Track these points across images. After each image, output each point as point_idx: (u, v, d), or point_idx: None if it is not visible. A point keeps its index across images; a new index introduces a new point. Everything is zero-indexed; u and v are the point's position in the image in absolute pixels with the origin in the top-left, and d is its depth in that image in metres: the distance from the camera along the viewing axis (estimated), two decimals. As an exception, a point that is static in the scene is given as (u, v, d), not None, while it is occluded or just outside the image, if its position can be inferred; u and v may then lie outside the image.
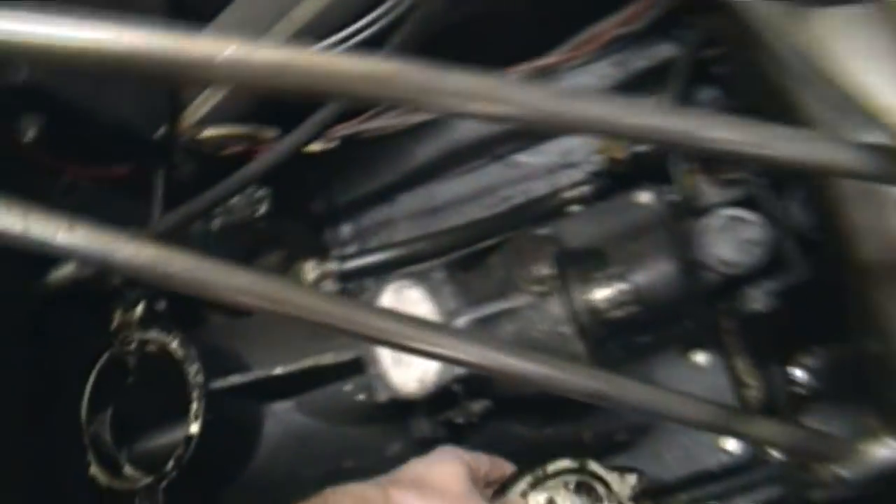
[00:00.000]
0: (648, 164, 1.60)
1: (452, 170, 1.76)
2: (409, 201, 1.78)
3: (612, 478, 1.36)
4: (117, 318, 1.49)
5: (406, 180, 1.77)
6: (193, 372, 1.40)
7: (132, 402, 1.53)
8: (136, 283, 1.49)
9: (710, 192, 1.41)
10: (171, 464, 1.38)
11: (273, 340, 1.51)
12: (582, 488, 1.35)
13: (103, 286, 1.53)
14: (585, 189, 1.64)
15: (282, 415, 1.48)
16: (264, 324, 1.56)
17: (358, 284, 1.55)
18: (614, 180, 1.63)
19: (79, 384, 1.48)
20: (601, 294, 1.34)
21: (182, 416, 1.43)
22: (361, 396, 1.43)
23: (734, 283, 1.36)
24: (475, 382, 1.34)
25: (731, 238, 1.32)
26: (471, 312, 1.33)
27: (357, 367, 1.39)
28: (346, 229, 1.82)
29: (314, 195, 1.83)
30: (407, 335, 0.86)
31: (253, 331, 1.55)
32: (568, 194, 1.64)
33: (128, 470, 1.48)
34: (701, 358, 1.51)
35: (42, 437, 1.48)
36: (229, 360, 1.47)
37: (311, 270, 1.57)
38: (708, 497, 1.47)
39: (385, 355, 1.34)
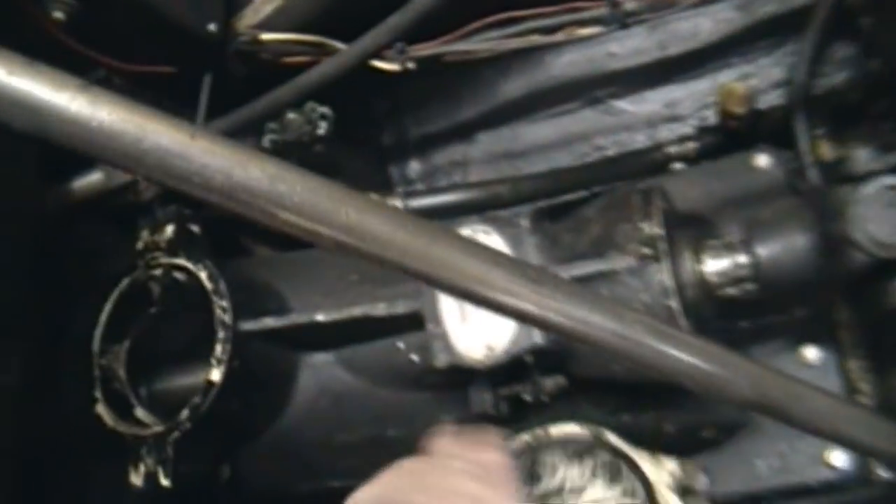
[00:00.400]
0: (768, 123, 1.36)
1: (542, 110, 1.54)
2: (488, 141, 1.57)
3: (640, 458, 1.14)
4: (144, 237, 1.28)
5: (488, 117, 1.55)
6: (222, 309, 1.19)
7: (153, 335, 1.33)
8: (170, 198, 1.29)
9: (865, 156, 1.15)
10: (185, 413, 1.18)
11: (319, 281, 1.30)
12: (583, 457, 1.14)
13: (133, 199, 1.33)
14: (692, 145, 1.40)
15: (319, 368, 1.27)
16: (311, 261, 1.34)
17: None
18: (726, 138, 1.39)
19: (94, 308, 1.29)
20: (715, 265, 1.10)
21: (205, 357, 1.24)
22: (415, 357, 1.21)
23: (883, 268, 1.11)
24: (554, 354, 1.11)
25: (892, 214, 1.06)
26: (559, 271, 1.09)
27: (414, 323, 1.17)
28: (414, 166, 1.61)
29: (382, 124, 1.61)
30: (495, 281, 0.63)
31: (297, 268, 1.34)
32: (672, 149, 1.41)
33: (139, 413, 1.28)
34: (812, 354, 1.26)
35: (47, 363, 1.29)
36: (266, 300, 1.26)
37: (375, 206, 1.35)
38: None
39: (450, 312, 1.12)
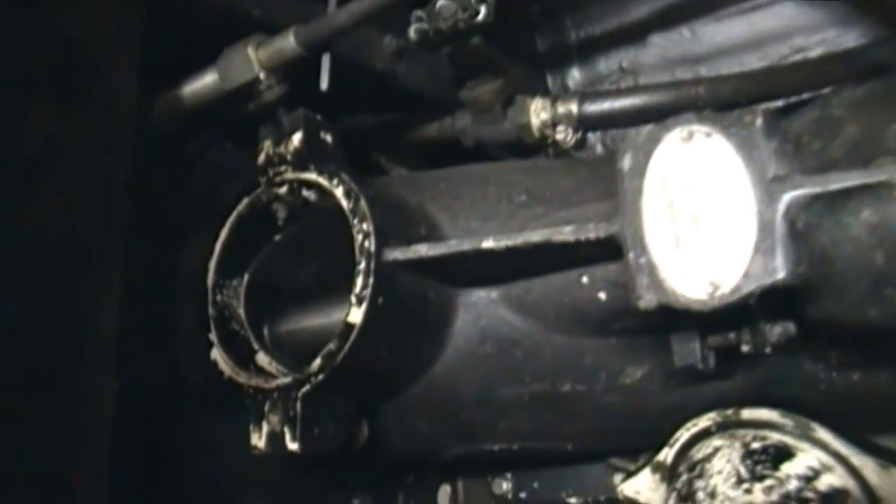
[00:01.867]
0: None
1: (727, 6, 1.26)
2: (663, 44, 1.33)
3: (864, 462, 0.88)
4: (266, 148, 1.06)
5: (663, 15, 1.32)
6: (363, 234, 0.96)
7: (277, 267, 1.12)
8: (296, 102, 1.06)
9: None
10: (318, 362, 0.96)
11: (479, 202, 1.06)
12: (767, 454, 0.89)
13: (253, 106, 1.11)
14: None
15: (480, 308, 1.03)
16: (466, 178, 1.10)
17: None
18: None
19: (209, 236, 1.08)
20: None
21: (342, 294, 1.02)
22: (602, 295, 0.96)
23: None
24: (795, 293, 0.85)
25: None
26: (808, 184, 0.82)
27: (606, 252, 0.91)
28: (574, 74, 1.36)
29: (538, 26, 1.36)
30: None
31: (449, 186, 1.09)
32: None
33: (262, 359, 1.08)
34: None
35: (155, 302, 1.09)
36: (415, 224, 1.02)
37: (540, 110, 1.10)
38: None
39: (660, 238, 0.86)
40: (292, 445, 0.95)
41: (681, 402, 1.01)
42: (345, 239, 0.99)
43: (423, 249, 0.96)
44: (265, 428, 0.98)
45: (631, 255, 0.87)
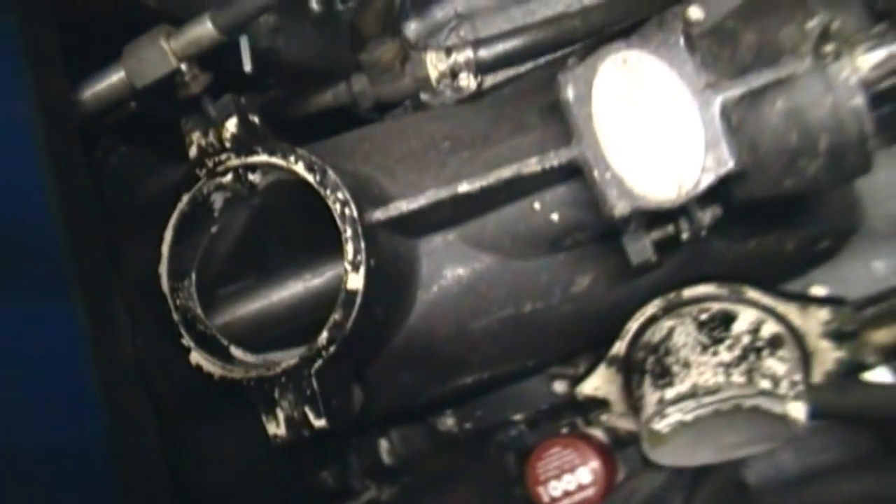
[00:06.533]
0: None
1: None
2: None
3: (788, 309, 1.10)
4: (196, 140, 1.03)
5: None
6: (340, 202, 0.98)
7: (217, 258, 1.10)
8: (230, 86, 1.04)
9: None
10: (325, 335, 0.97)
11: (411, 155, 1.11)
12: (716, 321, 1.08)
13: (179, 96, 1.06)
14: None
15: (443, 251, 1.09)
16: (390, 134, 1.14)
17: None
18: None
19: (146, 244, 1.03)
20: (872, 58, 1.03)
21: (285, 271, 1.04)
22: (555, 216, 1.07)
23: None
24: (727, 182, 1.01)
25: None
26: (734, 87, 0.97)
27: (565, 176, 1.02)
28: (412, 27, 1.40)
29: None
30: None
31: (377, 144, 1.13)
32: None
33: (235, 351, 1.06)
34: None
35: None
36: (366, 184, 1.05)
37: (437, 62, 1.16)
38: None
39: (620, 153, 0.98)
40: (318, 423, 0.97)
41: (624, 299, 1.14)
42: (307, 210, 1.01)
43: (402, 205, 1.00)
44: (280, 414, 0.98)
45: (595, 172, 0.99)
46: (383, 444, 1.33)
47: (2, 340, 0.74)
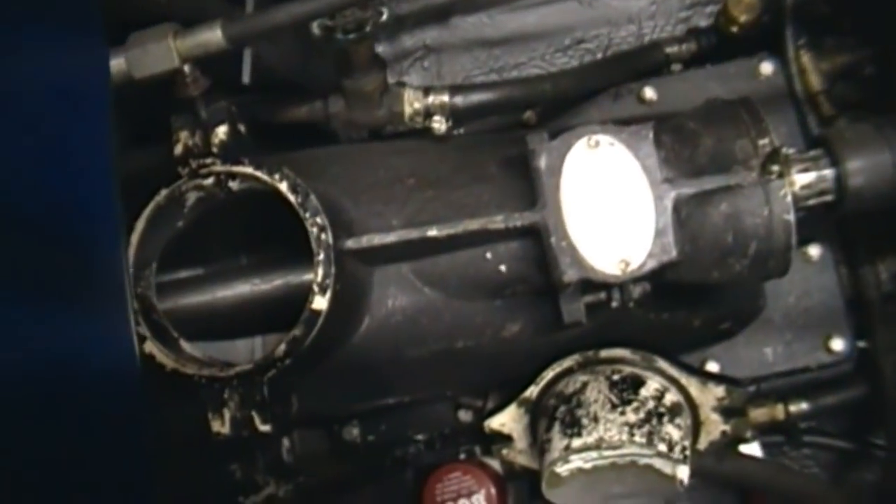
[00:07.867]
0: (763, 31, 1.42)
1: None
2: (464, 27, 1.50)
3: (690, 382, 1.24)
4: (183, 140, 1.06)
5: (465, 2, 1.47)
6: (318, 227, 1.03)
7: (174, 252, 1.12)
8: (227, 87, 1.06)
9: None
10: (282, 348, 1.03)
11: (378, 185, 1.17)
12: (626, 383, 1.21)
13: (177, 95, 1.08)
14: (690, 47, 1.42)
15: (393, 282, 1.15)
16: (358, 160, 1.20)
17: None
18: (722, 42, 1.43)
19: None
20: (804, 179, 1.16)
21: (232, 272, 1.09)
22: (503, 268, 1.15)
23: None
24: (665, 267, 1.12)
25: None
26: (688, 186, 1.08)
27: (522, 235, 1.11)
28: (382, 48, 1.46)
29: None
30: None
31: (345, 168, 1.18)
32: (671, 50, 1.42)
33: (184, 345, 1.10)
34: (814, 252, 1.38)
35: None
36: (338, 211, 1.11)
37: (413, 100, 1.22)
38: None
39: (579, 224, 1.07)
40: (263, 427, 1.02)
41: (545, 349, 1.24)
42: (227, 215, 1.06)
43: (375, 239, 1.07)
44: (227, 414, 1.03)
45: (553, 238, 1.08)
46: (285, 443, 1.38)
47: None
